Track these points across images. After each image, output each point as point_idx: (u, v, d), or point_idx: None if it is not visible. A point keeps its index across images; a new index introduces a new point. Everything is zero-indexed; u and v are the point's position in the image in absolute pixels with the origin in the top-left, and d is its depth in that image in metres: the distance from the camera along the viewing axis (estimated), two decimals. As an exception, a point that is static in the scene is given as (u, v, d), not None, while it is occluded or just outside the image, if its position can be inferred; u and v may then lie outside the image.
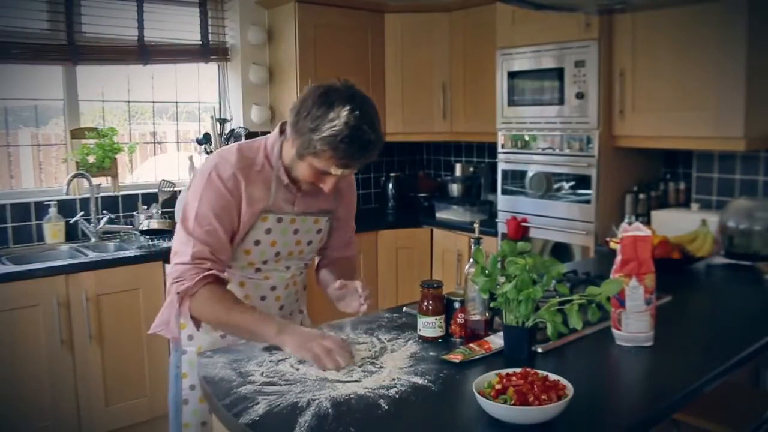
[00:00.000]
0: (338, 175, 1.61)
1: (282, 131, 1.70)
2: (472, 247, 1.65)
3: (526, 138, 3.35)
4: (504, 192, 3.54)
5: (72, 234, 3.37)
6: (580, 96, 3.06)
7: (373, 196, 4.66)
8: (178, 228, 1.70)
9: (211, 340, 1.79)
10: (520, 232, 3.39)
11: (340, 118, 1.49)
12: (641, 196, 3.13)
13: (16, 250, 3.18)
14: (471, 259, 1.61)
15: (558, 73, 3.14)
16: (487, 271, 1.56)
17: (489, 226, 3.68)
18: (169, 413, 1.87)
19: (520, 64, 3.34)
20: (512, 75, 3.38)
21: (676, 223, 2.85)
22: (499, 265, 1.56)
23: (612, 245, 2.63)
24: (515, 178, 3.48)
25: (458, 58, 4.01)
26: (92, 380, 2.93)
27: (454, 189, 4.25)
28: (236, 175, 1.66)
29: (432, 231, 3.99)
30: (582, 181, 3.13)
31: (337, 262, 1.97)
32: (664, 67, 2.85)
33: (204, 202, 1.65)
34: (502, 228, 3.53)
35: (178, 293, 1.63)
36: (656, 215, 3.05)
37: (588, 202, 3.09)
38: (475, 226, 1.74)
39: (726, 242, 2.61)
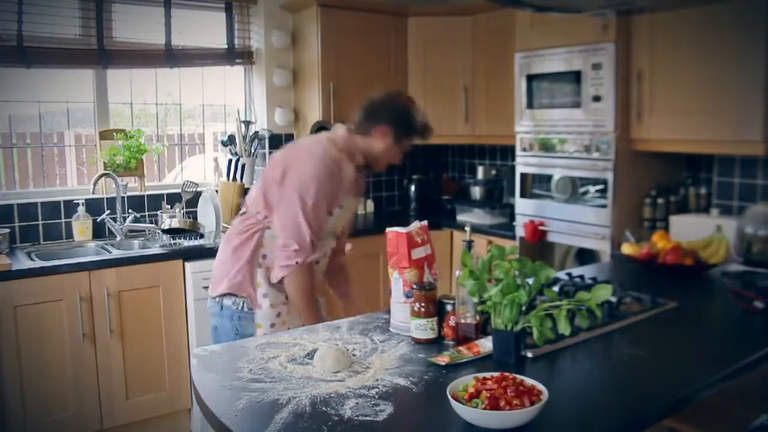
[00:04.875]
0: None
1: (349, 131, 2.23)
2: (462, 249, 1.66)
3: (544, 141, 3.33)
4: (525, 195, 3.51)
5: (99, 232, 3.49)
6: (597, 99, 3.01)
7: (396, 199, 4.68)
8: (293, 204, 2.06)
9: (279, 298, 2.17)
10: (537, 235, 3.37)
11: (418, 113, 2.23)
12: (660, 200, 3.06)
13: (45, 246, 3.30)
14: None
15: (575, 76, 3.10)
16: (476, 274, 1.57)
17: (508, 229, 3.67)
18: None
19: (539, 67, 3.31)
20: (530, 78, 3.36)
21: (694, 229, 2.79)
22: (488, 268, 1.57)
23: (624, 250, 2.60)
24: (536, 181, 3.46)
25: (480, 61, 4.00)
26: (113, 374, 3.02)
27: (476, 192, 4.24)
28: (342, 162, 2.13)
29: (452, 233, 3.99)
30: (600, 185, 3.08)
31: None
32: (682, 69, 2.79)
33: (322, 188, 2.06)
34: (520, 232, 3.51)
35: (297, 262, 2.06)
36: (675, 220, 2.98)
37: (604, 206, 3.05)
38: (467, 229, 1.75)
39: (744, 249, 2.54)
